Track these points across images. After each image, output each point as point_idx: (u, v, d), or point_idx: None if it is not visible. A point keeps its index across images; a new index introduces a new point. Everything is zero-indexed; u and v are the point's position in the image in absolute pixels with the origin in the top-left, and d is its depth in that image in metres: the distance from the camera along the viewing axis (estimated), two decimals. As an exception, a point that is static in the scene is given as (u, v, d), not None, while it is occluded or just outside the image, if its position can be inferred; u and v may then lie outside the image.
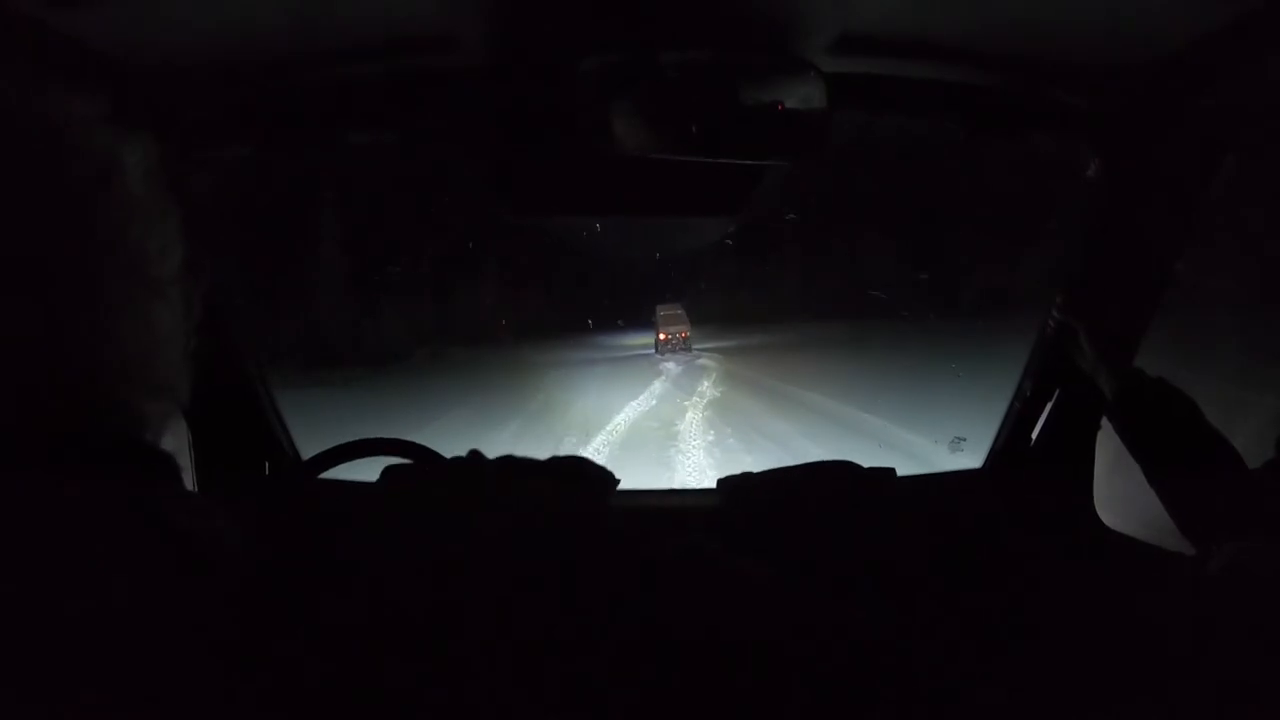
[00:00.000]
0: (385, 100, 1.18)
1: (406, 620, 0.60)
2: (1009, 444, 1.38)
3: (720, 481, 1.39)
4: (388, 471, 1.08)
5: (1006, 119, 1.23)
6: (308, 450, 1.34)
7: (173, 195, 0.54)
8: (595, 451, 7.71)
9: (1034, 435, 1.36)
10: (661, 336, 13.21)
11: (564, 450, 1.10)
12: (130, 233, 0.51)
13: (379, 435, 1.15)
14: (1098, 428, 1.29)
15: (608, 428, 8.98)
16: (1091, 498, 1.32)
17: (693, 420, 9.17)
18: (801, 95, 1.05)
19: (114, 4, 0.85)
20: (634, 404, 10.24)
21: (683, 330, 13.21)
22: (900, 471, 1.39)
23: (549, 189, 1.26)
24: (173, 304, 0.54)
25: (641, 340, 13.96)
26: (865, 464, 1.38)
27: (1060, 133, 1.25)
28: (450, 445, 1.01)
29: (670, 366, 12.52)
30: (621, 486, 0.91)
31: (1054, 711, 0.78)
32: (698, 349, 13.29)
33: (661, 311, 13.55)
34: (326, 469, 1.16)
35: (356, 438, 1.16)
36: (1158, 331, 1.14)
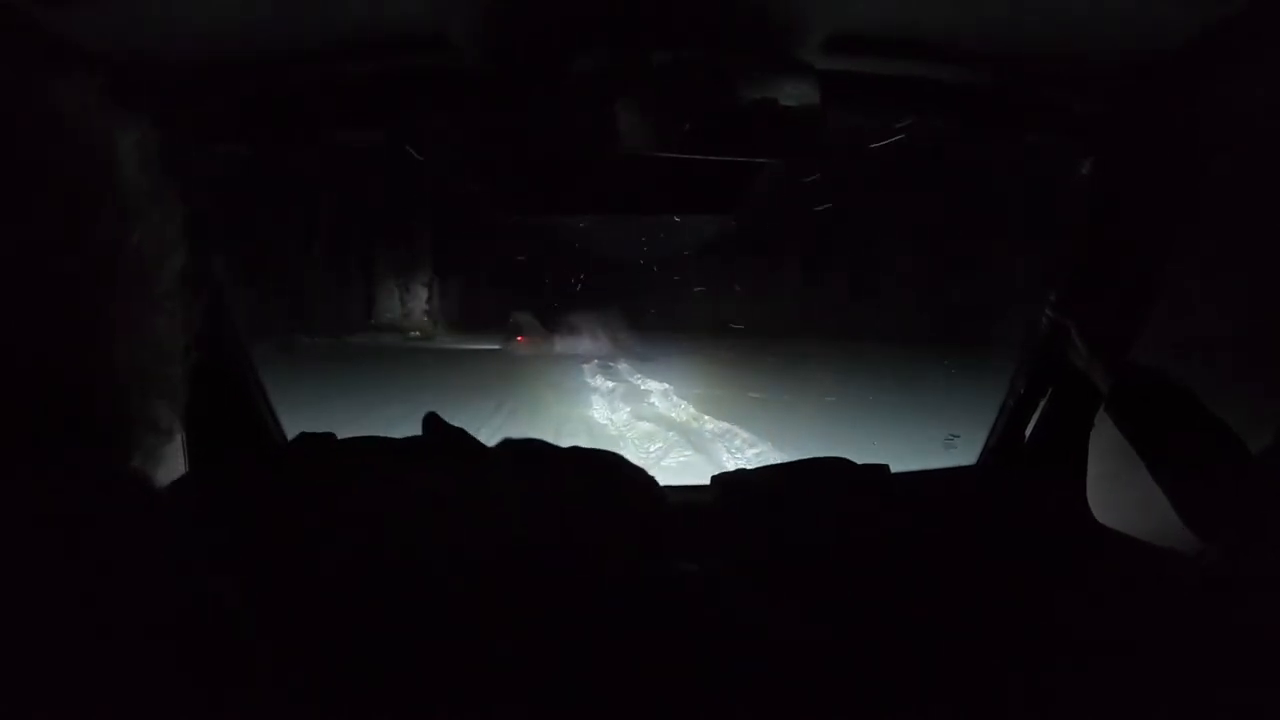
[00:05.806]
0: (379, 98, 1.18)
1: (401, 602, 0.60)
2: (1002, 441, 1.38)
3: (714, 478, 1.39)
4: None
5: (998, 118, 1.24)
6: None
7: (166, 188, 0.55)
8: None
9: (1027, 433, 1.36)
10: (519, 339, 14.72)
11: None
12: (122, 225, 0.51)
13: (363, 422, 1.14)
14: (1091, 425, 1.29)
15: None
16: (1085, 495, 1.32)
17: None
18: (793, 93, 1.05)
19: (111, 2, 0.84)
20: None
21: (539, 337, 14.73)
22: (893, 468, 1.39)
23: (543, 187, 1.26)
24: (167, 296, 0.54)
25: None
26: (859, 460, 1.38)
27: (1053, 131, 1.25)
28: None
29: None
30: None
31: (1045, 710, 0.79)
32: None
33: (519, 318, 15.09)
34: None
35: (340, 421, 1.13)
36: (1151, 330, 1.14)
